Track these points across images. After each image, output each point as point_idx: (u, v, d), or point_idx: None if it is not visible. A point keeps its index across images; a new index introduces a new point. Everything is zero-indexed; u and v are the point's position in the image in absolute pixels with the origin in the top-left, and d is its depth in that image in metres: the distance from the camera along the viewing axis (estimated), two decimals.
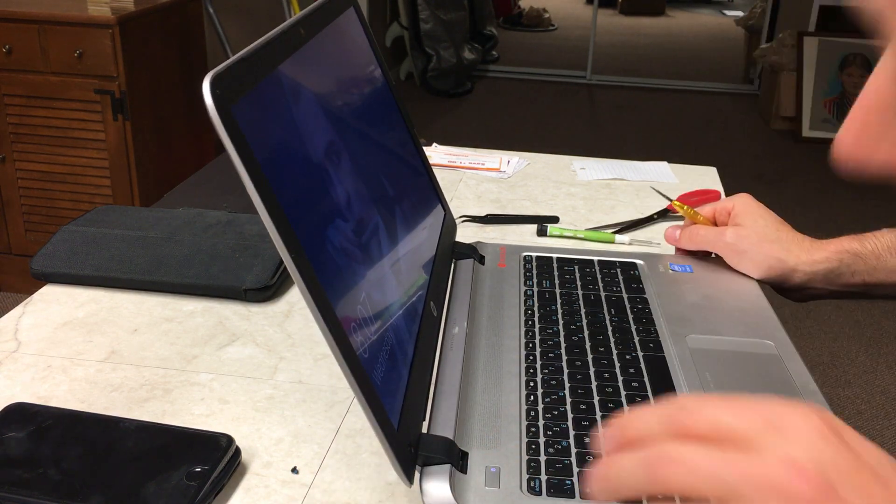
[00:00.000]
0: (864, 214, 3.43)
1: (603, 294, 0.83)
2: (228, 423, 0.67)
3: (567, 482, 0.57)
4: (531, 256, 0.91)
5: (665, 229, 0.94)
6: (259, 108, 0.50)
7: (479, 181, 1.21)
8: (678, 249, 0.93)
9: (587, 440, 0.61)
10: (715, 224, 0.91)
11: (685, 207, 0.91)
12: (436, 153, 1.30)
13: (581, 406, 0.65)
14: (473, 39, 5.37)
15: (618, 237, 1.01)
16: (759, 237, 0.84)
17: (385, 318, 0.61)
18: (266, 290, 0.84)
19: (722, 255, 0.88)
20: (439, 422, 0.62)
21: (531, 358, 0.72)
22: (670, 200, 0.96)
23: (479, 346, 0.73)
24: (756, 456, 0.36)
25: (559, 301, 0.82)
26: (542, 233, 1.02)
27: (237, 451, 0.61)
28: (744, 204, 0.87)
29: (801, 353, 0.74)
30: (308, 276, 0.49)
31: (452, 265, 0.87)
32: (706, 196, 1.13)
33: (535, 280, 0.86)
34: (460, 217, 1.06)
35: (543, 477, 0.58)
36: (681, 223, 0.96)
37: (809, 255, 0.83)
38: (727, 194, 1.05)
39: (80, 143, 2.34)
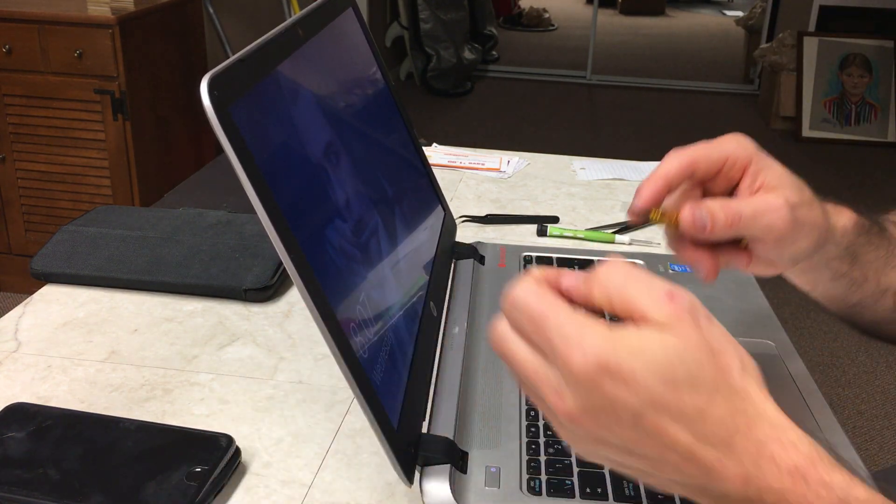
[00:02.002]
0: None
1: None
2: (228, 423, 0.67)
3: (567, 482, 0.57)
4: (531, 256, 0.91)
5: (686, 218, 0.59)
6: (257, 109, 0.50)
7: (479, 181, 1.21)
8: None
9: None
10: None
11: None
12: (436, 153, 1.30)
13: None
14: (473, 39, 5.37)
15: (618, 237, 1.01)
16: (800, 200, 0.61)
17: (385, 318, 0.61)
18: (266, 290, 0.84)
19: (772, 231, 0.59)
20: (439, 422, 0.62)
21: None
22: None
23: (479, 346, 0.73)
24: (548, 368, 0.41)
25: None
26: (542, 233, 1.02)
27: (237, 451, 0.61)
28: (764, 160, 0.64)
29: (801, 353, 0.74)
30: (307, 277, 0.49)
31: (452, 265, 0.87)
32: None
33: None
34: (460, 217, 1.06)
35: (543, 477, 0.58)
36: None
37: (838, 216, 0.66)
38: None
39: (80, 143, 2.34)
